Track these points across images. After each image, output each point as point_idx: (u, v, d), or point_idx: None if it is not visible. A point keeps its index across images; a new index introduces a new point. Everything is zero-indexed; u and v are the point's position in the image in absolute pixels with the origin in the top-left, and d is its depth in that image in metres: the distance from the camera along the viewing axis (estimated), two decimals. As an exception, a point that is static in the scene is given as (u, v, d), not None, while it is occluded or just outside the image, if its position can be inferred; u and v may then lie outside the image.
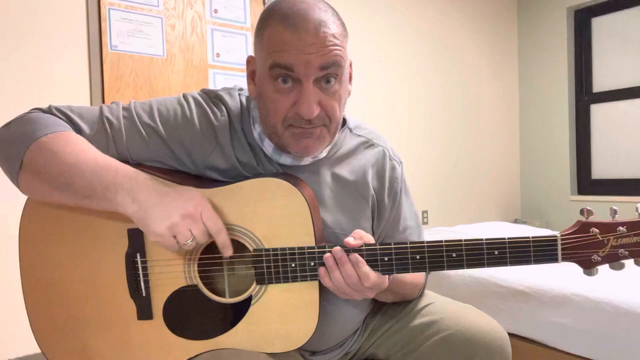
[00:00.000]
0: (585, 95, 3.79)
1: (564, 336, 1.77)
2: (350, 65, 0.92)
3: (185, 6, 2.58)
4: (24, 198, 0.94)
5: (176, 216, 0.78)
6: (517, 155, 4.13)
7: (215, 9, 2.67)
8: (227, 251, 0.84)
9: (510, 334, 1.03)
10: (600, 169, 3.72)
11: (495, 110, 3.98)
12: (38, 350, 2.08)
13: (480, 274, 2.11)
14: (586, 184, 3.77)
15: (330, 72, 0.83)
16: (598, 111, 3.74)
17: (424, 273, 1.08)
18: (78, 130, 0.88)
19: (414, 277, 1.03)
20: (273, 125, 0.87)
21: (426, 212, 3.51)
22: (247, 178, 0.89)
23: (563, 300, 1.78)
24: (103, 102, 2.31)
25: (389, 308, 1.07)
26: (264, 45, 0.85)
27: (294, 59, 0.81)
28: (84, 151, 0.83)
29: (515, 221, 3.93)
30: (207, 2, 2.64)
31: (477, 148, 3.85)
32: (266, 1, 2.83)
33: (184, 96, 0.95)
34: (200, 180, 0.93)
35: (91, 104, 2.29)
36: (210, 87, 2.73)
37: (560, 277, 1.89)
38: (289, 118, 0.85)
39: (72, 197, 0.82)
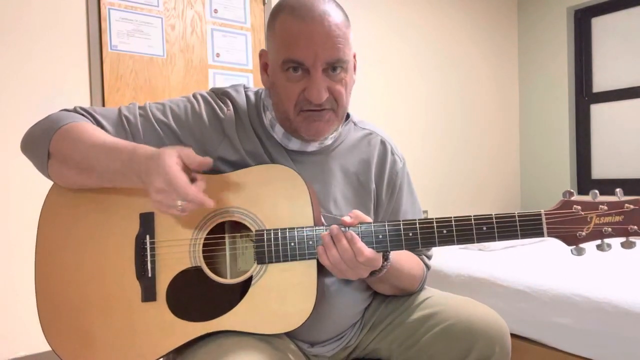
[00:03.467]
0: (585, 95, 3.79)
1: (564, 336, 1.77)
2: (355, 57, 0.99)
3: (185, 6, 2.58)
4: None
5: (154, 195, 0.81)
6: (517, 155, 4.13)
7: (215, 9, 2.67)
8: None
9: (510, 334, 1.04)
10: (600, 169, 3.72)
11: (495, 110, 3.98)
12: (38, 350, 2.09)
13: (480, 274, 2.11)
14: (586, 184, 3.77)
15: (336, 65, 0.91)
16: (598, 111, 3.74)
17: (423, 267, 1.10)
18: (100, 126, 0.95)
19: (412, 268, 1.05)
20: (285, 111, 0.94)
21: (426, 211, 3.52)
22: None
23: (563, 300, 1.78)
24: (103, 102, 2.32)
25: (390, 302, 1.08)
26: (276, 38, 0.93)
27: (303, 53, 0.89)
28: (96, 136, 0.89)
29: (515, 221, 3.93)
30: (207, 2, 2.64)
31: (477, 148, 3.85)
32: (266, 1, 2.83)
33: (194, 95, 1.03)
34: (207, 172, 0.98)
35: (91, 104, 2.29)
36: (210, 87, 2.73)
37: (560, 277, 1.89)
38: (300, 102, 0.92)
39: (98, 179, 0.88)
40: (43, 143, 0.89)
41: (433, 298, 1.05)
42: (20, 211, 2.05)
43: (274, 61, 0.94)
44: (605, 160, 3.69)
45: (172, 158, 0.81)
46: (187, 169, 0.83)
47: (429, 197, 3.52)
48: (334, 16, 0.91)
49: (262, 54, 0.99)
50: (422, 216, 1.15)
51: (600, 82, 3.72)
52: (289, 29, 0.90)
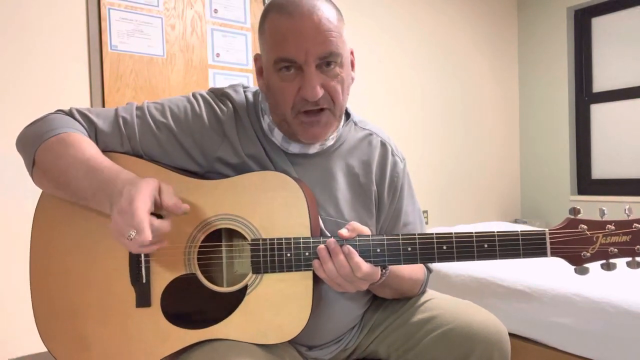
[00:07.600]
0: (585, 95, 3.79)
1: (564, 336, 1.77)
2: (352, 53, 0.97)
3: (185, 6, 2.58)
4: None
5: (114, 217, 0.78)
6: (517, 155, 4.13)
7: (215, 9, 2.67)
8: (178, 209, 0.81)
9: (510, 334, 1.03)
10: (600, 169, 3.72)
11: (495, 110, 3.98)
12: (38, 350, 2.09)
13: (480, 274, 2.11)
14: (586, 184, 3.76)
15: (330, 59, 0.89)
16: (598, 111, 3.74)
17: (424, 270, 1.09)
18: (95, 129, 0.94)
19: (413, 273, 1.04)
20: (283, 114, 0.92)
21: (426, 212, 3.51)
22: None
23: (563, 300, 1.78)
24: (103, 102, 2.32)
25: (389, 305, 1.08)
26: (267, 39, 0.91)
27: (293, 50, 0.86)
28: (82, 152, 0.87)
29: (516, 221, 3.93)
30: (207, 2, 2.64)
31: (477, 148, 3.85)
32: (266, 1, 2.83)
33: (193, 95, 1.01)
34: (205, 176, 0.97)
35: (91, 104, 2.29)
36: (211, 87, 2.73)
37: (561, 277, 1.89)
38: (297, 103, 0.90)
39: (71, 196, 0.88)
40: (30, 150, 0.89)
41: (433, 301, 1.05)
42: (20, 210, 2.04)
43: (267, 63, 0.92)
44: (605, 160, 3.69)
45: (151, 184, 0.79)
46: (159, 206, 0.81)
47: (429, 196, 3.52)
48: (324, 10, 0.88)
49: (257, 58, 0.98)
50: (422, 215, 1.15)
51: (600, 82, 3.72)
52: (277, 27, 0.88)
